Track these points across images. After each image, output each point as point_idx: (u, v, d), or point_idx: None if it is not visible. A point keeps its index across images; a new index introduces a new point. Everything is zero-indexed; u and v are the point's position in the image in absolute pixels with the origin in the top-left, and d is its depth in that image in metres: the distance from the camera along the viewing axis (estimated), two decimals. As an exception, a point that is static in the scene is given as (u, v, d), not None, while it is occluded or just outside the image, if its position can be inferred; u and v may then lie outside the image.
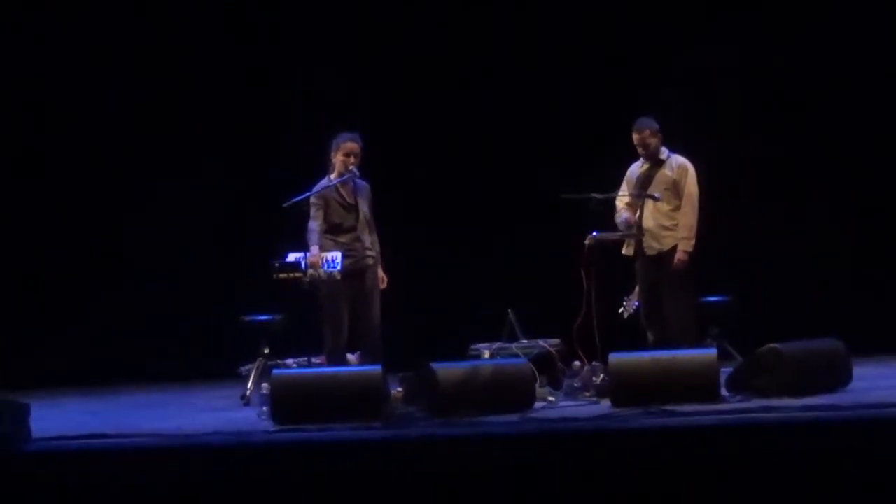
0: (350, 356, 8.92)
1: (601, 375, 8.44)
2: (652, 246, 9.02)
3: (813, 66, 10.94)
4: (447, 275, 11.06)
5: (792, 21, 11.00)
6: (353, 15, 11.50)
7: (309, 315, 8.88)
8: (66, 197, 11.60)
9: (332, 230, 8.88)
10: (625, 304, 9.11)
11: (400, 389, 8.48)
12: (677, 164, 9.06)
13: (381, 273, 9.01)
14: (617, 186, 9.14)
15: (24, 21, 11.58)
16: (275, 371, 8.32)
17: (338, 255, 8.69)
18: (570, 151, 10.93)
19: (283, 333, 9.61)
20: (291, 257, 8.73)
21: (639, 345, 8.93)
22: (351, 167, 8.84)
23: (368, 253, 8.92)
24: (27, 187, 11.64)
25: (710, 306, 9.84)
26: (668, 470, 5.89)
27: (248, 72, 11.53)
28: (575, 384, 8.63)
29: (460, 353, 8.92)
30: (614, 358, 8.04)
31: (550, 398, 8.35)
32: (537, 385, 8.28)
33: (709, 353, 8.13)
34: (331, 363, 8.74)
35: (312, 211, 8.84)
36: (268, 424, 7.78)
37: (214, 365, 10.51)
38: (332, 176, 8.92)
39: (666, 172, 9.03)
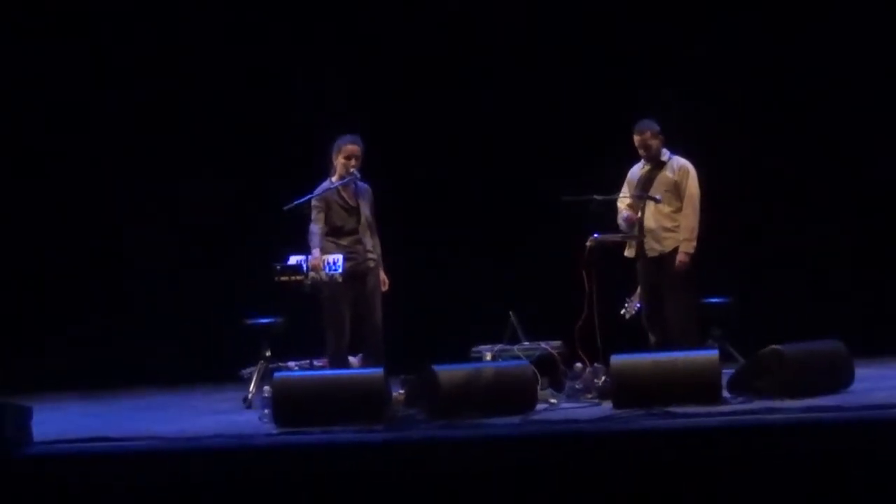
0: (352, 359, 8.92)
1: (603, 377, 8.44)
2: (653, 247, 9.02)
3: (813, 66, 10.94)
4: (448, 277, 11.05)
5: (792, 21, 10.99)
6: (353, 15, 11.49)
7: (310, 317, 8.89)
8: (66, 197, 11.59)
9: (334, 233, 8.88)
10: (626, 305, 9.10)
11: (402, 392, 8.47)
12: (678, 165, 9.05)
13: (382, 275, 9.01)
14: (618, 188, 9.14)
15: (24, 21, 11.57)
16: (276, 374, 8.30)
17: (339, 257, 8.70)
18: (571, 152, 10.92)
19: (284, 336, 9.59)
20: (293, 260, 8.73)
21: (640, 346, 8.93)
22: (352, 169, 8.84)
23: (370, 255, 8.91)
24: (27, 187, 11.62)
25: (711, 307, 9.84)
26: (669, 471, 5.90)
27: (248, 72, 11.52)
28: (577, 386, 8.64)
29: (462, 356, 8.91)
30: (616, 359, 8.04)
31: (552, 400, 8.35)
32: (539, 387, 8.28)
33: (710, 355, 8.12)
34: (333, 366, 8.75)
35: (314, 213, 8.83)
36: (270, 427, 7.77)
37: (216, 367, 10.50)
38: (334, 178, 8.92)
39: (667, 174, 9.03)
